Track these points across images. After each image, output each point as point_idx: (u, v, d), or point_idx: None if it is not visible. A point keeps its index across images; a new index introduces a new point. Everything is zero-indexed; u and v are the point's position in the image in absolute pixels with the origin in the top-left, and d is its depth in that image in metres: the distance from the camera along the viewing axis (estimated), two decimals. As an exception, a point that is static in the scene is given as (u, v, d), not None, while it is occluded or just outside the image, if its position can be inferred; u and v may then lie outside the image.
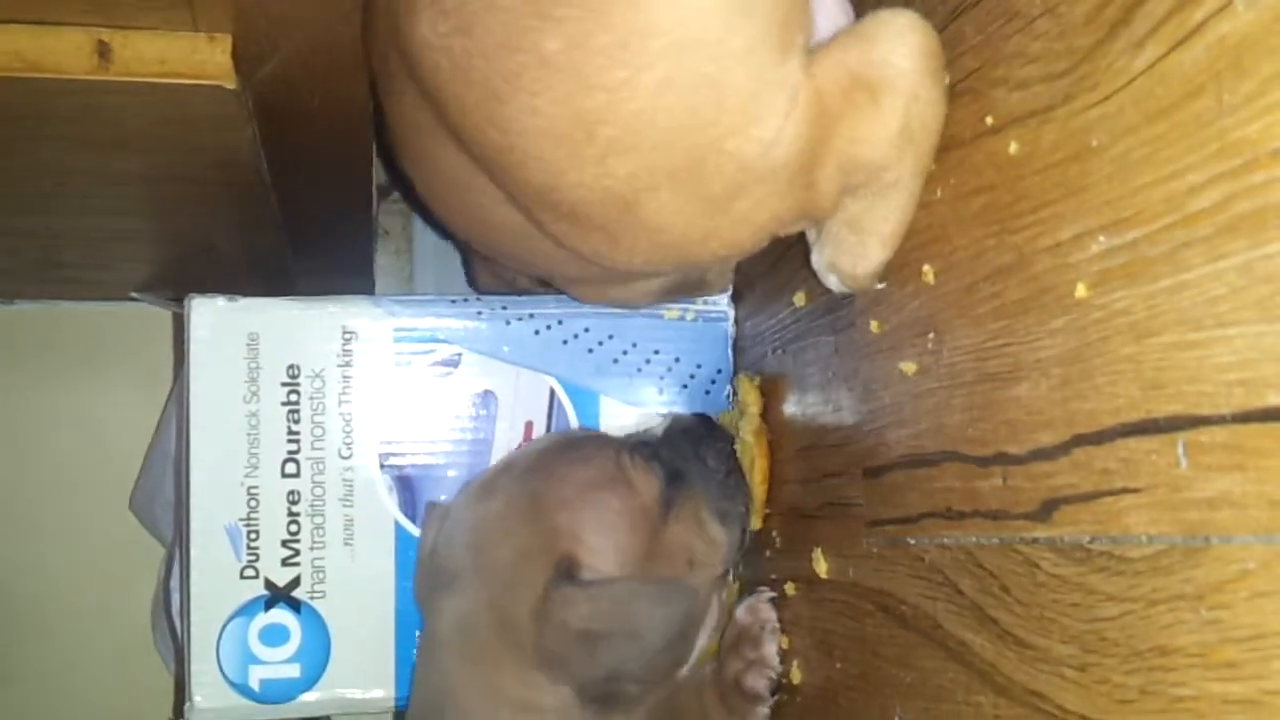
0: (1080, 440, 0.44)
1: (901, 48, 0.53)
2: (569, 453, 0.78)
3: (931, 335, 0.56)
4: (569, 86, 0.51)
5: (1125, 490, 0.41)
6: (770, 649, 0.76)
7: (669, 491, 0.75)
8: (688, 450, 0.78)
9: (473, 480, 0.82)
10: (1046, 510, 0.46)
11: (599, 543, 0.72)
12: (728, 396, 0.87)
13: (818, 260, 0.63)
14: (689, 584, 0.73)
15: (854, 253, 0.60)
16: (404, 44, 0.56)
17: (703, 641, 0.78)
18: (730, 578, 0.80)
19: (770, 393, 0.81)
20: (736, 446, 0.81)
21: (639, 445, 0.78)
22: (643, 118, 0.52)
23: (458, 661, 0.74)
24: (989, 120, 0.51)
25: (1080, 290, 0.44)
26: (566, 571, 0.70)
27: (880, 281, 0.61)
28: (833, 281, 0.63)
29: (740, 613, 0.79)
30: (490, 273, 0.92)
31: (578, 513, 0.73)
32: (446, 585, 0.76)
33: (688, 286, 0.84)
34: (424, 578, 0.81)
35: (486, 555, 0.74)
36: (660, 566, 0.73)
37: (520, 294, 0.90)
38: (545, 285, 0.89)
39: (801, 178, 0.55)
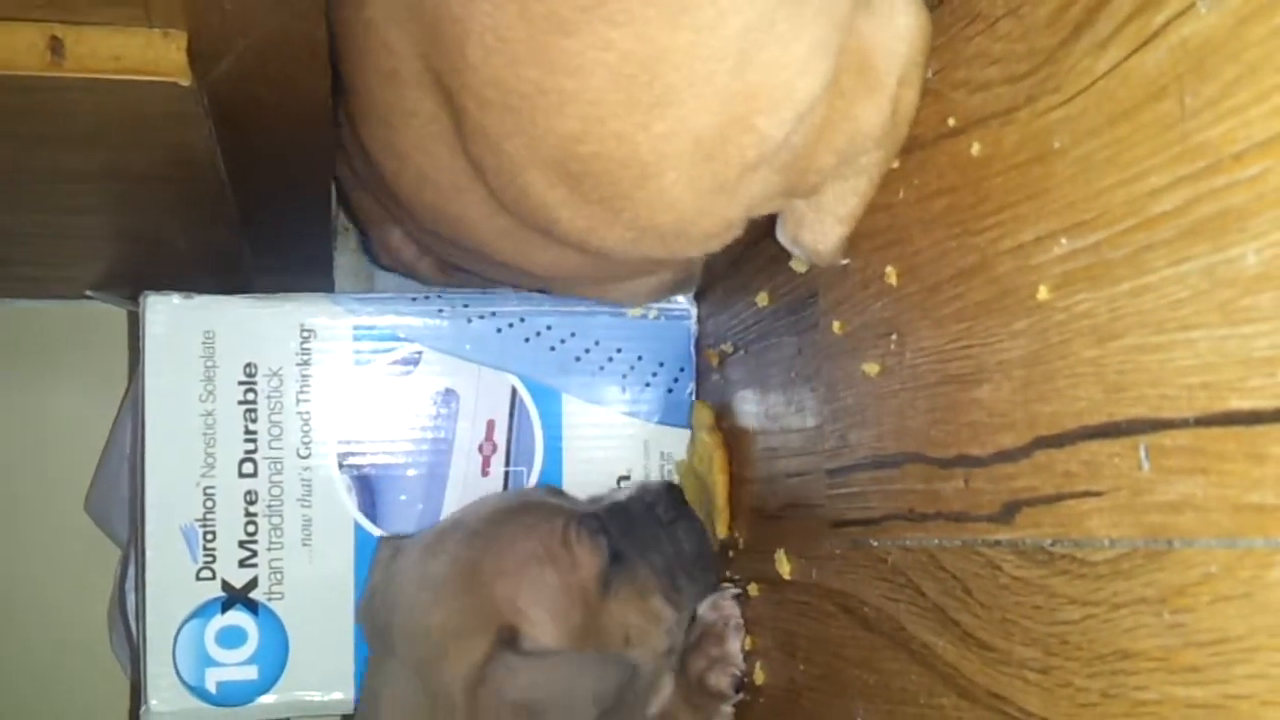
0: (1042, 442, 0.44)
1: (912, 29, 0.53)
2: (515, 520, 0.77)
3: (894, 337, 0.56)
4: (656, 22, 0.49)
5: (1087, 493, 0.41)
6: (734, 646, 0.76)
7: (610, 570, 0.75)
8: (648, 526, 0.77)
9: (424, 531, 0.82)
10: (1008, 512, 0.46)
11: (537, 615, 0.72)
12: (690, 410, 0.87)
13: (782, 235, 0.62)
14: (627, 658, 0.73)
15: (815, 230, 0.60)
16: None
17: (652, 713, 0.78)
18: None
19: (724, 414, 0.81)
20: (696, 459, 0.81)
21: (589, 518, 0.77)
22: (707, 67, 0.50)
23: None
24: (951, 121, 0.51)
25: (1042, 292, 0.44)
26: (508, 642, 0.70)
27: (844, 257, 0.61)
28: (798, 254, 0.63)
29: (704, 610, 0.79)
30: (390, 254, 0.89)
31: (516, 585, 0.73)
32: (383, 646, 0.77)
33: (677, 284, 0.83)
34: (367, 622, 0.81)
35: (423, 619, 0.75)
36: (599, 641, 0.73)
37: (420, 281, 0.88)
38: (448, 274, 0.87)
39: (804, 158, 0.54)
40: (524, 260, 0.67)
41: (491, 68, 0.52)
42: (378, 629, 0.78)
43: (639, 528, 0.78)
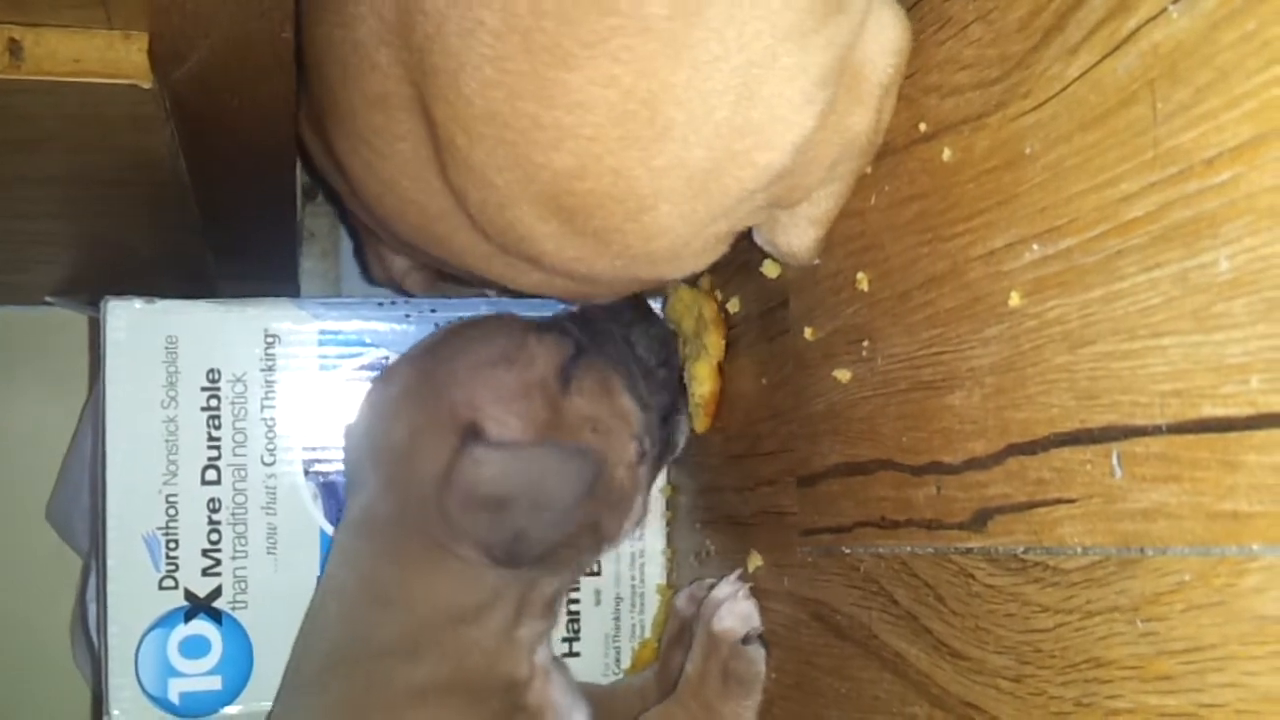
0: (1014, 450, 0.44)
1: (899, 40, 0.52)
2: (467, 332, 0.76)
3: (866, 343, 0.56)
4: (660, 58, 0.48)
5: (1059, 500, 0.41)
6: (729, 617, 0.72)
7: (570, 363, 0.73)
8: (609, 329, 0.77)
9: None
10: (980, 520, 0.46)
11: (497, 412, 0.70)
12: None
13: (758, 237, 0.62)
14: (593, 449, 0.72)
15: (790, 232, 0.59)
16: (421, 3, 0.52)
17: (627, 529, 0.77)
18: (660, 465, 0.79)
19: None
20: (685, 349, 0.80)
21: (546, 322, 0.76)
22: (709, 103, 0.49)
23: (359, 540, 0.73)
24: (922, 127, 0.51)
25: (1014, 299, 0.44)
26: (474, 435, 0.69)
27: (817, 258, 0.61)
28: (773, 255, 0.63)
29: (680, 601, 0.78)
30: (384, 268, 0.88)
31: (472, 387, 0.71)
32: (353, 485, 0.75)
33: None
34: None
35: (384, 438, 0.73)
36: (564, 436, 0.72)
37: (411, 296, 0.88)
38: (439, 290, 0.87)
39: (796, 175, 0.54)
40: (511, 282, 0.66)
41: (487, 100, 0.51)
42: (349, 490, 0.76)
43: (598, 326, 0.77)
